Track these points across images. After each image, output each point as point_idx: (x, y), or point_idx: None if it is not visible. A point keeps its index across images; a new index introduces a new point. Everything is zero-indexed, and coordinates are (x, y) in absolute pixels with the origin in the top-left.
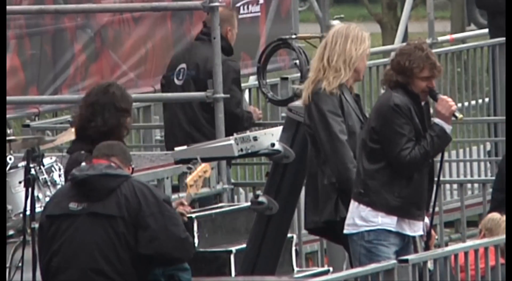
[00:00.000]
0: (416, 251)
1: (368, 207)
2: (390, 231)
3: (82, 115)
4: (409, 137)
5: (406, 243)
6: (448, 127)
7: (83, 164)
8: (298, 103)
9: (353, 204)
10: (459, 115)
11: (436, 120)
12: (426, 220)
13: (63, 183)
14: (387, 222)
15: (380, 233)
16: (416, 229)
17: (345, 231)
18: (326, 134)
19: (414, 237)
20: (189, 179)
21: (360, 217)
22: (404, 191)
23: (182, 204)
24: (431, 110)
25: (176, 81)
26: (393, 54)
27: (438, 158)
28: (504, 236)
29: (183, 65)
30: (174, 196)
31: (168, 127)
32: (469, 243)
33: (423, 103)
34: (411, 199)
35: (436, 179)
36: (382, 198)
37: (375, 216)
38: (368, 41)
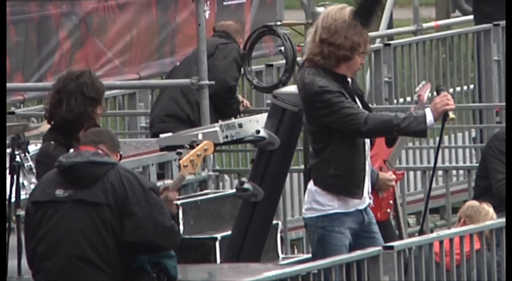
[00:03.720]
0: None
1: (315, 186)
2: (346, 214)
3: (50, 103)
4: (350, 105)
5: (366, 224)
6: (429, 119)
7: (71, 150)
8: (283, 90)
9: (309, 186)
10: (452, 115)
11: (427, 109)
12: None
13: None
14: (341, 204)
15: (335, 218)
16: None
17: (303, 215)
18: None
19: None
20: (183, 159)
21: (316, 201)
22: (339, 168)
23: (166, 189)
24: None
25: (177, 63)
26: (378, 41)
27: (424, 144)
28: (487, 223)
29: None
30: (159, 183)
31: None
32: (455, 229)
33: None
34: (347, 176)
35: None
36: (319, 175)
37: (332, 199)
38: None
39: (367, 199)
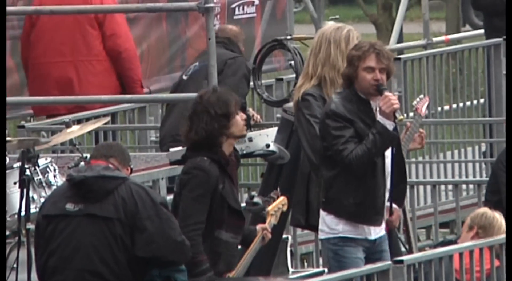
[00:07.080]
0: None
1: (331, 214)
2: (352, 238)
3: (185, 129)
4: (347, 139)
5: (377, 244)
6: (389, 124)
7: (82, 164)
8: (293, 104)
9: (321, 211)
10: (399, 117)
11: (378, 117)
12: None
13: (58, 184)
14: (348, 229)
15: (345, 238)
16: (378, 231)
17: (319, 236)
18: (309, 139)
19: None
20: (270, 208)
21: (325, 224)
22: (359, 196)
23: (266, 229)
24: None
25: (184, 76)
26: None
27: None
28: (498, 237)
29: (196, 63)
30: (169, 197)
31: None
32: (464, 244)
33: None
34: (367, 204)
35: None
36: (341, 205)
37: (337, 223)
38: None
39: (379, 229)
